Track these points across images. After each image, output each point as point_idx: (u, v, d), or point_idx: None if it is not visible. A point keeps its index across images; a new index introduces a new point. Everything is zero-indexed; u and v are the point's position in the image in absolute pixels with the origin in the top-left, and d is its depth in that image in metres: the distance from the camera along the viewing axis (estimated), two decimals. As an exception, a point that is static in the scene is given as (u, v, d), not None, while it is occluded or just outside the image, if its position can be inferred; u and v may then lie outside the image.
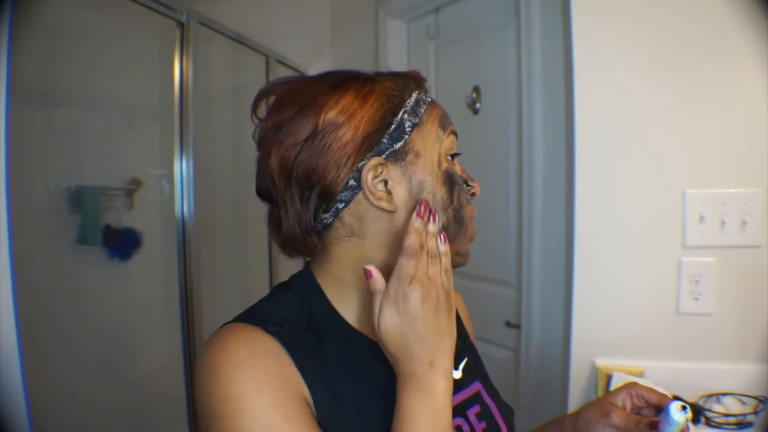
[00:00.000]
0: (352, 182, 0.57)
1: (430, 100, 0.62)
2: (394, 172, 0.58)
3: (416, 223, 0.55)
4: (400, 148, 0.58)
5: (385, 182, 0.58)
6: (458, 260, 0.64)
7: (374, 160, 0.57)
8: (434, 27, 2.01)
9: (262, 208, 0.65)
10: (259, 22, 2.33)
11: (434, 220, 0.56)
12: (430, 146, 0.59)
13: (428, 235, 0.55)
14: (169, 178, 1.91)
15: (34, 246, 1.74)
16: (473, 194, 0.64)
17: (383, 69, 0.64)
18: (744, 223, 1.12)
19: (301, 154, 0.56)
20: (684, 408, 0.57)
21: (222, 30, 1.89)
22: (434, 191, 0.59)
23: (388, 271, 0.60)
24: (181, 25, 1.67)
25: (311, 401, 0.53)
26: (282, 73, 2.29)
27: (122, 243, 2.13)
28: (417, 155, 0.58)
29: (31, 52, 1.71)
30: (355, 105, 0.56)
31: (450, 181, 0.60)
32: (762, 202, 1.12)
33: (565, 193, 1.37)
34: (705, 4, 1.11)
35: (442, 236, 0.56)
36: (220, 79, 2.37)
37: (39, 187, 1.87)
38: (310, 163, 0.56)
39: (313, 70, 2.41)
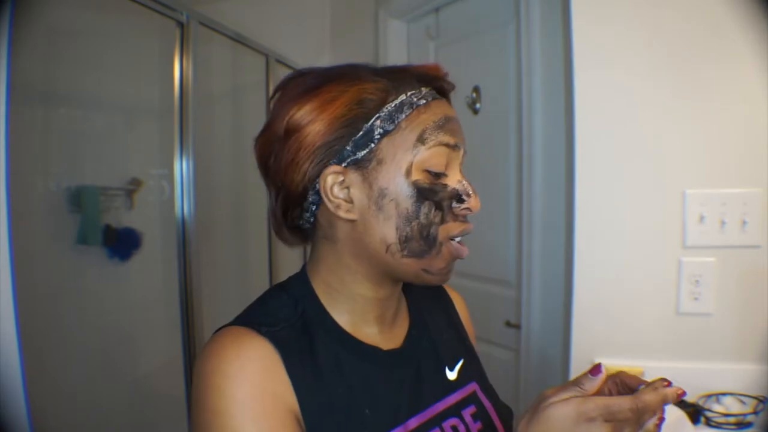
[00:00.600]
0: (318, 186, 0.57)
1: (423, 102, 0.57)
2: (355, 179, 0.56)
3: (670, 393, 0.48)
4: (364, 156, 0.55)
5: (349, 189, 0.56)
6: (427, 277, 0.59)
7: (332, 168, 0.56)
8: (434, 27, 2.01)
9: (262, 208, 0.65)
10: (259, 22, 2.33)
11: (681, 394, 0.49)
12: (401, 155, 0.55)
13: (656, 411, 0.49)
14: (169, 178, 1.91)
15: (34, 246, 1.74)
16: (468, 209, 0.59)
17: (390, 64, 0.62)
18: (744, 223, 1.12)
19: (272, 153, 0.58)
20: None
21: (222, 30, 1.89)
22: (397, 200, 0.55)
23: (373, 281, 0.61)
24: (181, 25, 1.67)
25: (298, 410, 0.54)
26: (282, 73, 2.29)
27: (122, 243, 2.13)
28: (380, 163, 0.55)
29: (31, 52, 1.71)
30: (318, 109, 0.55)
31: (419, 194, 0.56)
32: (762, 202, 1.12)
33: (565, 193, 1.37)
34: (705, 4, 1.11)
35: (659, 421, 0.50)
36: (220, 79, 2.37)
37: (39, 187, 1.87)
38: (277, 163, 0.57)
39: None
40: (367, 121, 0.55)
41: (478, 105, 1.79)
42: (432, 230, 0.57)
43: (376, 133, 0.55)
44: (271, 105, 0.60)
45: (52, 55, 1.82)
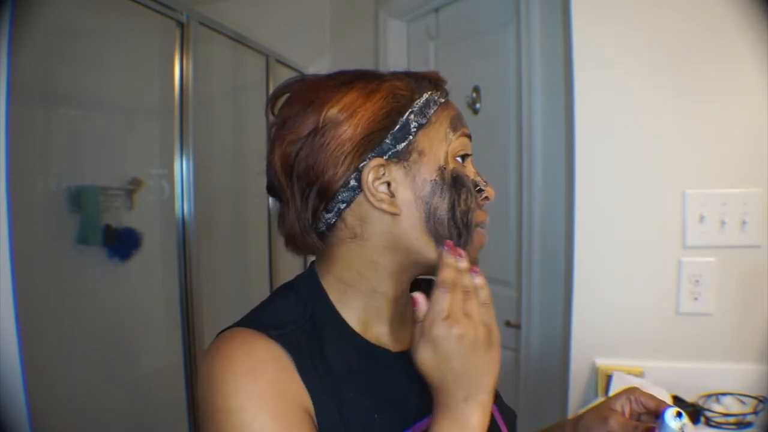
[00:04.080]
0: (353, 182, 0.56)
1: (443, 101, 0.60)
2: (396, 173, 0.56)
3: (450, 258, 0.54)
4: (403, 148, 0.56)
5: (389, 184, 0.56)
6: None
7: (375, 161, 0.55)
8: (434, 27, 2.01)
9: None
10: (259, 22, 2.33)
11: (461, 256, 0.54)
12: (437, 146, 0.58)
13: (460, 272, 0.54)
14: (169, 178, 1.91)
15: (34, 246, 1.74)
16: (486, 198, 0.62)
17: (396, 69, 0.62)
18: (744, 223, 1.13)
19: (302, 150, 0.56)
20: (679, 415, 0.56)
21: (222, 30, 1.89)
22: (441, 190, 0.58)
23: (395, 277, 0.60)
24: (181, 25, 1.67)
25: (312, 410, 0.53)
26: (282, 73, 2.29)
27: (122, 243, 2.13)
28: (421, 154, 0.57)
29: (31, 52, 1.71)
30: (357, 103, 0.56)
31: (458, 182, 0.58)
32: (762, 202, 1.12)
33: (565, 193, 1.37)
34: (705, 4, 1.11)
35: (474, 271, 0.55)
36: (220, 79, 2.37)
37: (39, 187, 1.87)
38: (310, 160, 0.56)
39: (312, 70, 2.40)
40: (402, 115, 0.57)
41: (478, 105, 1.80)
42: (470, 216, 0.59)
43: (412, 126, 0.57)
44: (279, 106, 0.60)
45: (52, 55, 1.82)
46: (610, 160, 1.20)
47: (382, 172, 0.56)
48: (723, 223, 1.13)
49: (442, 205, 0.57)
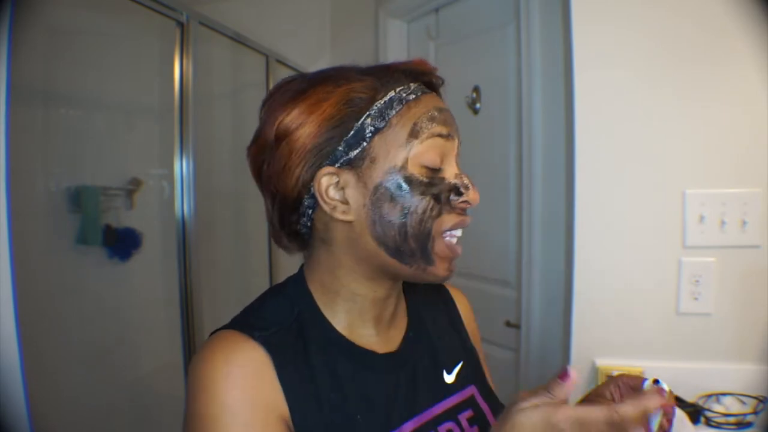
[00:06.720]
0: (312, 190, 0.57)
1: (413, 97, 0.57)
2: (349, 180, 0.56)
3: (652, 404, 0.45)
4: (356, 155, 0.55)
5: (344, 190, 0.56)
6: (425, 276, 0.58)
7: (325, 169, 0.55)
8: (434, 27, 2.01)
9: (262, 208, 0.65)
10: (259, 22, 2.33)
11: (662, 395, 0.46)
12: (394, 151, 0.55)
13: (639, 421, 0.44)
14: (169, 178, 1.91)
15: (34, 246, 1.74)
16: (466, 202, 0.58)
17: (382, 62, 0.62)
18: (744, 223, 1.13)
19: (265, 162, 0.58)
20: (656, 382, 0.55)
21: (222, 30, 1.89)
22: (393, 197, 0.55)
23: (372, 281, 0.60)
24: (181, 25, 1.67)
25: (289, 417, 0.54)
26: (282, 73, 2.29)
27: (122, 243, 2.13)
28: (374, 161, 0.55)
29: (31, 52, 1.71)
30: (307, 112, 0.55)
31: (416, 189, 0.55)
32: (762, 202, 1.12)
33: (565, 193, 1.37)
34: (705, 4, 1.11)
35: (654, 414, 0.47)
36: (220, 79, 2.37)
37: (39, 187, 1.88)
38: (270, 170, 0.58)
39: (313, 70, 2.40)
40: (358, 120, 0.55)
41: (478, 105, 1.79)
42: (427, 224, 0.56)
43: (367, 131, 0.55)
44: (261, 113, 0.60)
45: (52, 55, 1.82)
46: (610, 160, 1.20)
47: (335, 180, 0.56)
48: (723, 223, 1.13)
49: (393, 211, 0.55)
